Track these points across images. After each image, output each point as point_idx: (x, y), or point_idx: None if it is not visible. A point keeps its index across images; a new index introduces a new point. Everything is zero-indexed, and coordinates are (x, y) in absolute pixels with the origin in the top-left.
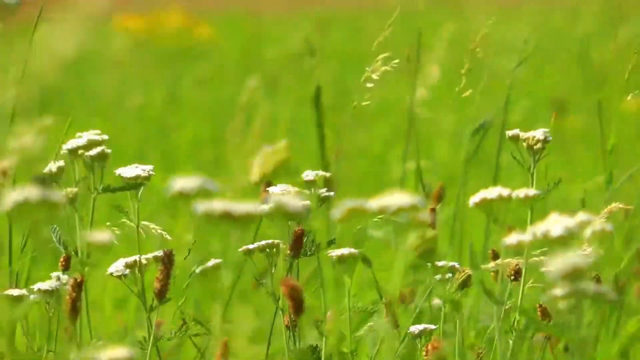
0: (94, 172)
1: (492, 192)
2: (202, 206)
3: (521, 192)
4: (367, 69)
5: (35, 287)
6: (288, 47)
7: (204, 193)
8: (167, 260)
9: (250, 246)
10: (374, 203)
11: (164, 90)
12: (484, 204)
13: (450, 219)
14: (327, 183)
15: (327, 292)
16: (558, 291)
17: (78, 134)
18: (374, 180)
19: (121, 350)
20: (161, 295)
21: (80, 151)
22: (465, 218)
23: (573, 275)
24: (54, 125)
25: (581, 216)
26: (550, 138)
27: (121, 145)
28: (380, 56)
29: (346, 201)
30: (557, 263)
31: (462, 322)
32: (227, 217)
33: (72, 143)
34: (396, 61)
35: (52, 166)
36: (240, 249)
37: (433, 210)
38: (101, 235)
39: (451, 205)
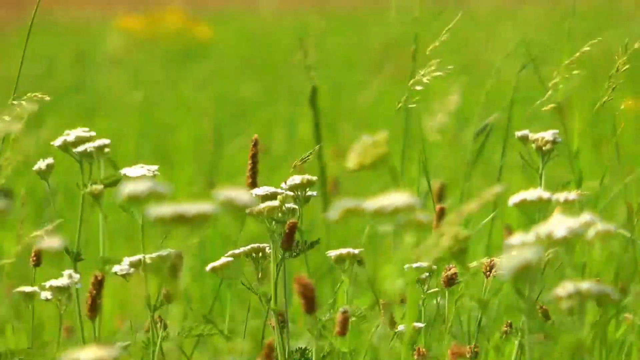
0: (90, 170)
1: (532, 194)
2: (154, 210)
3: (561, 196)
4: (419, 72)
5: (47, 284)
6: (286, 46)
7: (155, 196)
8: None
9: (237, 251)
10: (371, 203)
11: (164, 90)
12: (523, 205)
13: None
14: (325, 183)
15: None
16: (561, 291)
17: (66, 131)
18: (372, 180)
19: (105, 350)
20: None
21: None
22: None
23: (524, 272)
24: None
25: (585, 217)
26: (560, 139)
27: (120, 145)
28: (434, 60)
29: (343, 201)
30: (508, 260)
31: (487, 322)
32: (180, 219)
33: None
34: (450, 67)
35: (42, 164)
36: (226, 254)
37: (442, 209)
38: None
39: (454, 204)
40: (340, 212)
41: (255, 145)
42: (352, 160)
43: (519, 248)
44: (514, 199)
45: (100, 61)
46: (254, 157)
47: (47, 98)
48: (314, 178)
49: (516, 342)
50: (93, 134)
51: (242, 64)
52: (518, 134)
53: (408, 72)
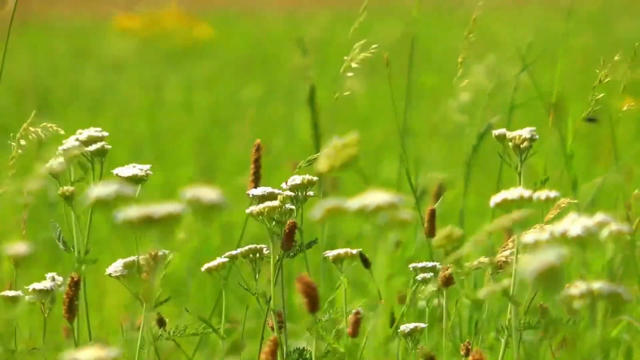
0: (94, 170)
1: (513, 193)
2: (121, 213)
3: (542, 194)
4: (345, 58)
5: (30, 287)
6: (287, 46)
7: (122, 198)
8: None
9: (234, 252)
10: (353, 202)
11: (163, 90)
12: (505, 204)
13: (451, 218)
14: (321, 183)
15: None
16: (574, 290)
17: (79, 130)
18: (370, 180)
19: (105, 350)
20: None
21: (76, 151)
22: (466, 216)
23: (548, 273)
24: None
25: (599, 216)
26: (537, 137)
27: (120, 145)
28: (358, 43)
29: (325, 201)
30: (532, 261)
31: (481, 322)
32: (148, 221)
33: (71, 140)
34: (375, 46)
35: (54, 162)
36: (223, 255)
37: (432, 211)
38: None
39: (452, 204)
40: (323, 212)
41: (257, 150)
42: (322, 163)
43: (539, 249)
44: (495, 199)
45: (100, 61)
46: (256, 161)
47: (62, 131)
48: (315, 178)
49: (502, 340)
50: (106, 134)
51: (242, 64)
52: (495, 132)
53: (406, 71)
